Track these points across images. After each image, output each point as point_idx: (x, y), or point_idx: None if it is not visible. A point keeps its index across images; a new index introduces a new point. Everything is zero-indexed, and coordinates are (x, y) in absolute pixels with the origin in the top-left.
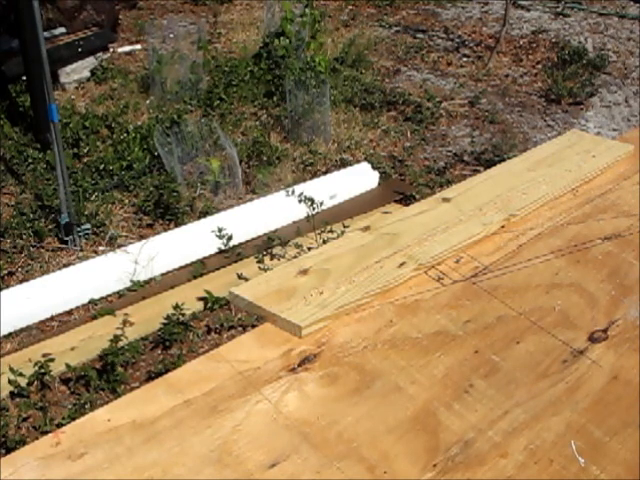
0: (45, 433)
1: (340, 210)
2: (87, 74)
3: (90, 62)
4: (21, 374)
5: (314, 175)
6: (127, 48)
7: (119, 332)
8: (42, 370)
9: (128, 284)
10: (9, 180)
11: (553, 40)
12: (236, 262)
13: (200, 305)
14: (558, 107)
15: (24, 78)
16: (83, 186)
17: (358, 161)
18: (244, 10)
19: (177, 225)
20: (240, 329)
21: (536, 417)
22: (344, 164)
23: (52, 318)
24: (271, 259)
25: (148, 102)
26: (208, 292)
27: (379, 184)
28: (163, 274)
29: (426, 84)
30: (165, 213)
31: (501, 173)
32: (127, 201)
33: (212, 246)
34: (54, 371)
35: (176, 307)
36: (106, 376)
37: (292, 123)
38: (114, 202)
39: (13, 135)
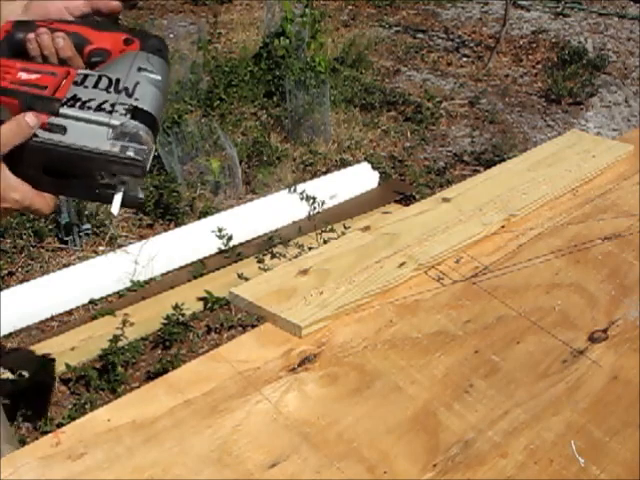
0: (45, 433)
1: (340, 210)
2: None
3: None
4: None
5: (314, 175)
6: None
7: (119, 332)
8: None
9: (128, 284)
10: None
11: (553, 40)
12: (236, 262)
13: (200, 305)
14: (558, 107)
15: None
16: None
17: (358, 161)
18: (244, 10)
19: (177, 225)
20: (240, 329)
21: (536, 417)
22: (344, 164)
23: (52, 318)
24: (271, 259)
25: None
26: (208, 292)
27: (379, 184)
28: (163, 274)
29: (426, 84)
30: (165, 213)
31: (501, 173)
32: None
33: (212, 246)
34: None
35: (176, 307)
36: (106, 376)
37: (292, 123)
38: None
39: None
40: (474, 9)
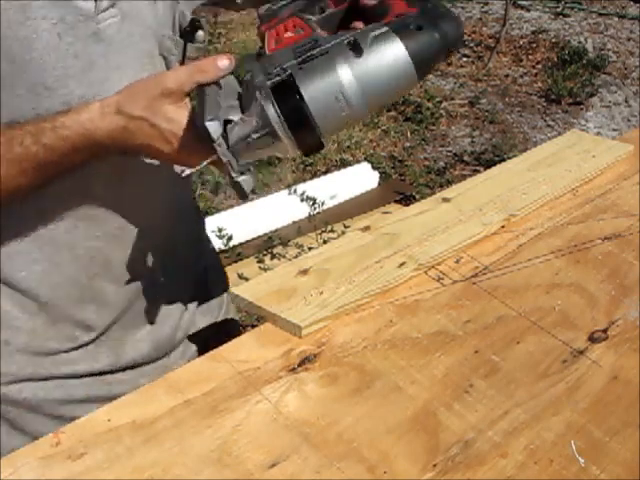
0: None
1: (340, 210)
2: None
3: None
4: None
5: (314, 175)
6: None
7: None
8: None
9: None
10: None
11: (553, 40)
12: (236, 262)
13: None
14: (558, 107)
15: None
16: None
17: (358, 161)
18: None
19: None
20: (240, 329)
21: (536, 417)
22: (344, 164)
23: None
24: (271, 259)
25: None
26: None
27: (379, 184)
28: None
29: (426, 84)
30: None
31: (501, 173)
32: None
33: None
34: None
35: None
36: None
37: None
38: None
39: None
40: (474, 9)
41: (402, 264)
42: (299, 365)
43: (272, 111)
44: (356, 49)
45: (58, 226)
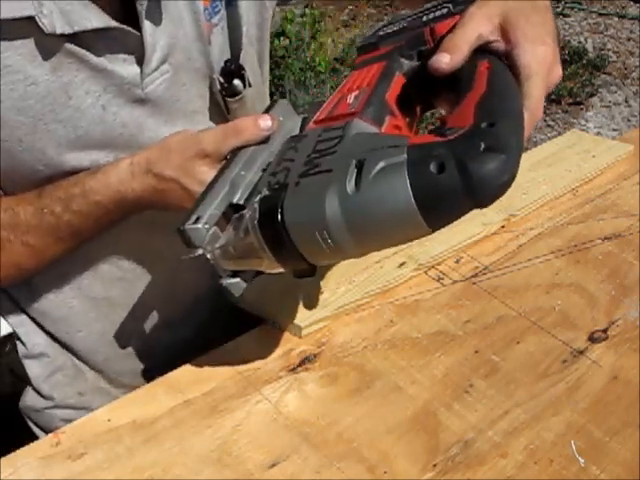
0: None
1: None
2: None
3: None
4: None
5: None
6: None
7: None
8: None
9: None
10: None
11: None
12: None
13: None
14: (558, 107)
15: None
16: None
17: None
18: None
19: None
20: None
21: (536, 417)
22: None
23: None
24: None
25: None
26: None
27: None
28: None
29: None
30: None
31: None
32: None
33: None
34: None
35: None
36: None
37: None
38: None
39: None
40: None
41: (402, 264)
42: (299, 365)
43: (254, 234)
44: (358, 176)
45: (114, 288)
